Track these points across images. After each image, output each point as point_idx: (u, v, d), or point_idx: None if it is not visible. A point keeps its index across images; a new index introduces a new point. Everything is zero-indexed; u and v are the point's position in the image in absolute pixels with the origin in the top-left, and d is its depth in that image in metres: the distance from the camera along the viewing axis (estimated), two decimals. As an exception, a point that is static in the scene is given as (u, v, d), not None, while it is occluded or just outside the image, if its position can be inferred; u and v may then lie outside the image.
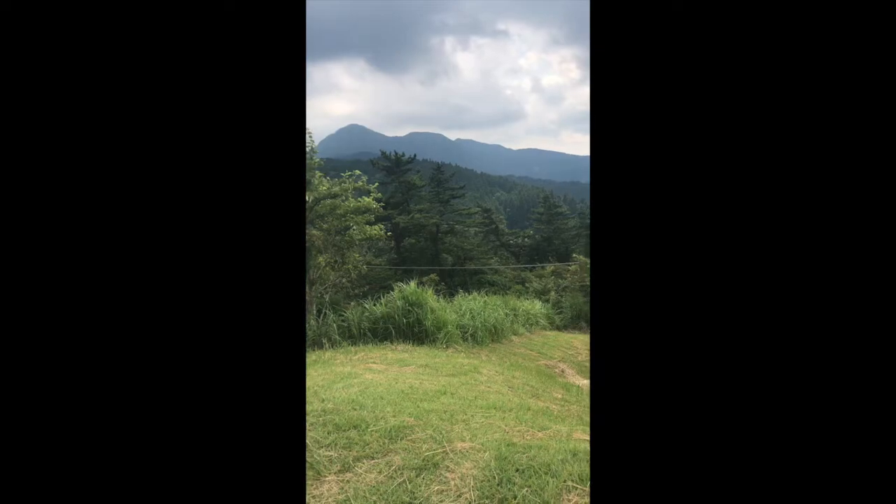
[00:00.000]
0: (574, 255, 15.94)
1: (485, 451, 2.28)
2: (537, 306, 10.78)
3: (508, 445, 2.36)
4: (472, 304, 8.63)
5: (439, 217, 20.51)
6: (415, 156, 23.28)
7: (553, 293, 12.79)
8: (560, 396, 4.53)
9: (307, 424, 2.66)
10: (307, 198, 7.06)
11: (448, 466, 2.17)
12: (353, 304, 8.23)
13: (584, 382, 6.04)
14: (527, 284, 15.75)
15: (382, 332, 6.88)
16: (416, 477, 2.10)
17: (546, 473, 2.04)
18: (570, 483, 1.98)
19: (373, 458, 2.28)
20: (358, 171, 7.85)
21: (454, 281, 17.60)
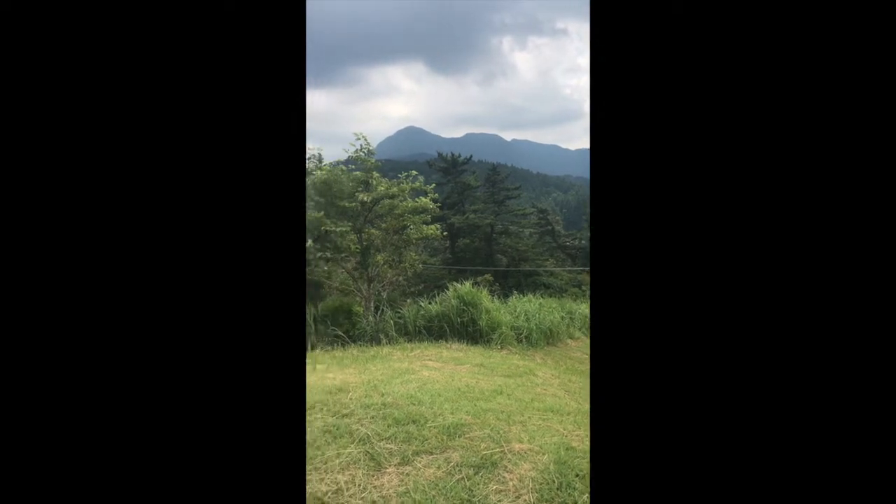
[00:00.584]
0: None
1: (543, 454, 2.26)
2: (595, 310, 10.46)
3: (567, 450, 2.32)
4: (526, 306, 8.54)
5: (494, 218, 20.43)
6: (471, 157, 23.32)
7: (611, 297, 12.37)
8: (619, 403, 4.40)
9: (368, 417, 2.75)
10: (366, 198, 7.26)
11: (506, 467, 2.17)
12: (409, 301, 8.39)
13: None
14: (584, 287, 15.34)
15: (437, 331, 6.96)
16: (475, 475, 2.11)
17: (608, 480, 1.99)
18: (633, 492, 1.92)
19: (431, 454, 2.32)
20: (415, 172, 7.98)
21: (508, 282, 17.48)
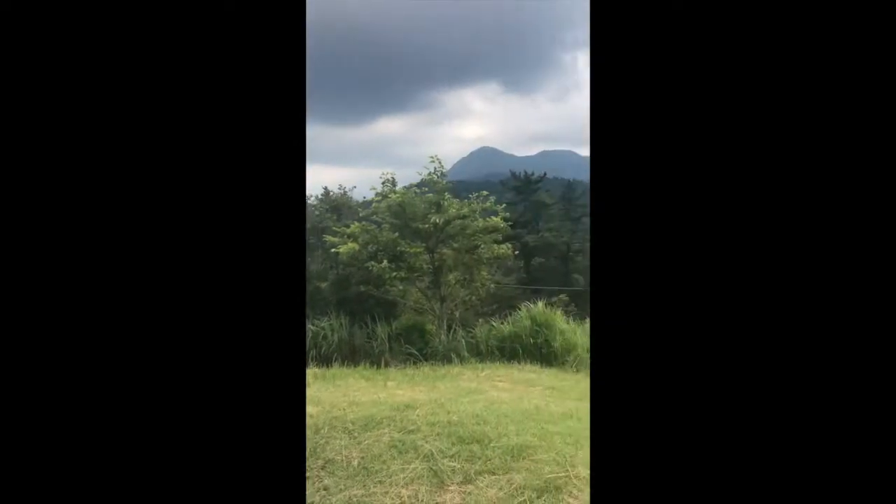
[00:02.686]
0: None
1: (611, 482, 2.15)
2: (680, 333, 9.78)
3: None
4: (604, 327, 8.18)
5: (570, 236, 19.92)
6: (545, 174, 23.07)
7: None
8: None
9: (434, 434, 2.79)
10: (438, 219, 7.44)
11: (571, 492, 2.09)
12: (480, 321, 8.38)
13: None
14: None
15: (509, 351, 6.88)
16: (537, 498, 2.07)
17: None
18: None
19: (494, 474, 2.30)
20: (485, 192, 8.07)
21: (587, 302, 16.84)
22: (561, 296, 14.70)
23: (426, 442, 2.66)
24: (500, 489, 2.15)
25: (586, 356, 6.86)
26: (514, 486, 2.17)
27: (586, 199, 23.54)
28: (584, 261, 19.58)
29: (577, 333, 7.34)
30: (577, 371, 6.43)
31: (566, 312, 8.86)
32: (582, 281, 19.07)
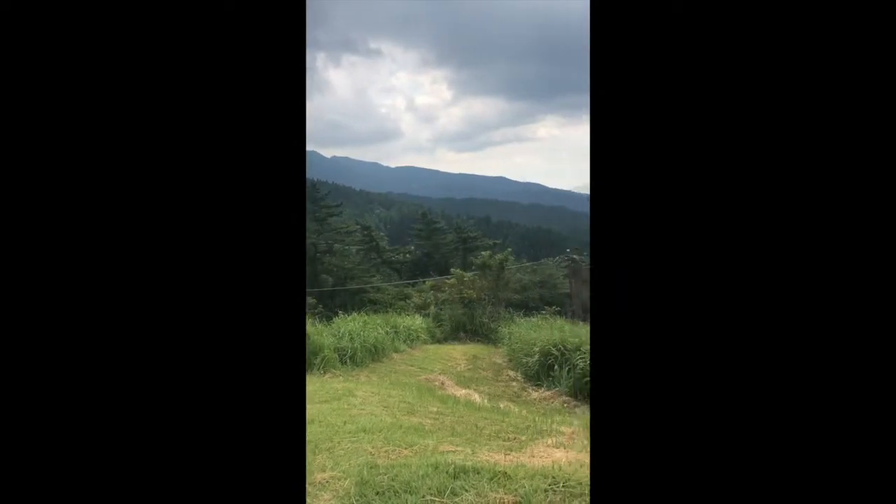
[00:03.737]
0: (452, 269, 16.46)
1: (346, 479, 2.22)
2: (418, 321, 10.90)
3: (371, 468, 2.32)
4: (351, 325, 8.45)
5: (317, 236, 19.85)
6: (287, 174, 22.30)
7: (433, 307, 13.05)
8: (436, 410, 4.60)
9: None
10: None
11: (307, 501, 2.07)
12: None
13: (463, 392, 6.23)
14: (408, 300, 15.88)
15: (252, 364, 6.39)
16: (270, 519, 1.96)
17: (406, 492, 2.05)
18: (429, 498, 2.01)
19: None
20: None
21: (335, 302, 17.07)
22: (309, 299, 14.53)
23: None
24: (229, 522, 1.97)
25: (333, 356, 6.95)
26: (245, 513, 2.01)
27: (331, 200, 23.86)
28: (331, 260, 19.80)
29: (323, 335, 7.36)
30: (324, 372, 6.44)
31: (313, 314, 8.79)
32: (330, 280, 19.25)
